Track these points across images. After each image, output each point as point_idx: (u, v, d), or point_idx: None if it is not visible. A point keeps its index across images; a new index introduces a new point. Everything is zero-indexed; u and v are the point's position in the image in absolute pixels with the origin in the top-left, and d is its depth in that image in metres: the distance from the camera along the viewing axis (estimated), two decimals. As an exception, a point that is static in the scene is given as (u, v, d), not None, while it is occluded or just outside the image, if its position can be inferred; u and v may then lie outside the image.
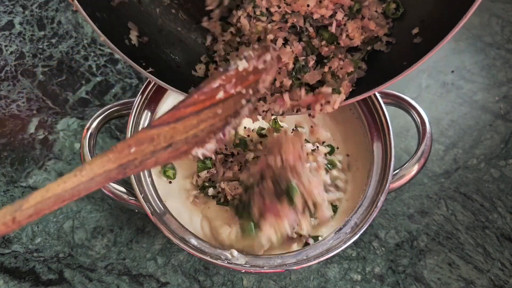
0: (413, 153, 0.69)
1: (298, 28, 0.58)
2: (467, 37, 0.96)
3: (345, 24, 0.57)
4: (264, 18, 0.58)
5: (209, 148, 0.50)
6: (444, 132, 0.86)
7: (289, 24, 0.58)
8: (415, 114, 0.71)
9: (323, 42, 0.58)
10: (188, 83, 0.61)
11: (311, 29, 0.58)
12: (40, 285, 0.70)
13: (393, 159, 0.66)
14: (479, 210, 0.79)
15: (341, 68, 0.58)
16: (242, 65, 0.49)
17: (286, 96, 0.57)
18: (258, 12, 0.57)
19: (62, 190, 0.42)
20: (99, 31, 0.53)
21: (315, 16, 0.56)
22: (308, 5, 0.55)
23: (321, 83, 0.59)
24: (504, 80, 0.92)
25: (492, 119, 0.88)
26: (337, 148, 0.73)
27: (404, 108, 0.72)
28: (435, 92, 0.90)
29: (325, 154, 0.71)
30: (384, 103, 0.70)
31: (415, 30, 0.55)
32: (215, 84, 0.48)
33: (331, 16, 0.57)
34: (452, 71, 0.93)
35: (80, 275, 0.71)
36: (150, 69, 0.57)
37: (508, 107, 0.89)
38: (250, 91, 0.52)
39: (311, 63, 0.58)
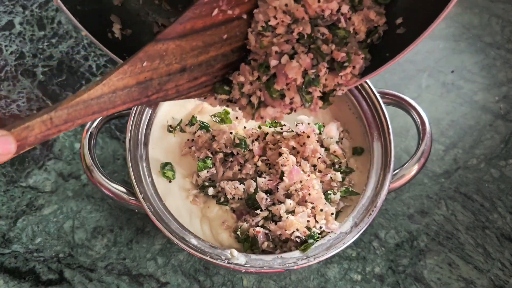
0: (413, 153, 0.69)
1: (306, 36, 0.54)
2: (467, 37, 0.96)
3: (350, 18, 0.54)
4: (268, 33, 0.54)
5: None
6: (444, 132, 0.86)
7: (295, 35, 0.53)
8: (415, 114, 0.71)
9: (333, 47, 0.54)
10: None
11: (325, 30, 0.54)
12: (40, 285, 0.70)
13: (393, 159, 0.66)
14: (479, 210, 0.79)
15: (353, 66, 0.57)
16: None
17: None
18: (259, 28, 0.54)
19: (88, 97, 0.44)
20: (80, 26, 0.52)
21: (326, 13, 0.53)
22: (319, 1, 0.52)
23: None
24: (504, 80, 0.92)
25: (492, 119, 0.88)
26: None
27: (404, 108, 0.72)
28: (435, 92, 0.90)
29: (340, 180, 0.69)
30: (384, 103, 0.70)
31: (399, 20, 0.53)
32: None
33: (337, 11, 0.54)
34: (452, 71, 0.93)
35: (80, 275, 0.71)
36: None
37: (508, 107, 0.89)
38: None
39: (323, 71, 0.54)
